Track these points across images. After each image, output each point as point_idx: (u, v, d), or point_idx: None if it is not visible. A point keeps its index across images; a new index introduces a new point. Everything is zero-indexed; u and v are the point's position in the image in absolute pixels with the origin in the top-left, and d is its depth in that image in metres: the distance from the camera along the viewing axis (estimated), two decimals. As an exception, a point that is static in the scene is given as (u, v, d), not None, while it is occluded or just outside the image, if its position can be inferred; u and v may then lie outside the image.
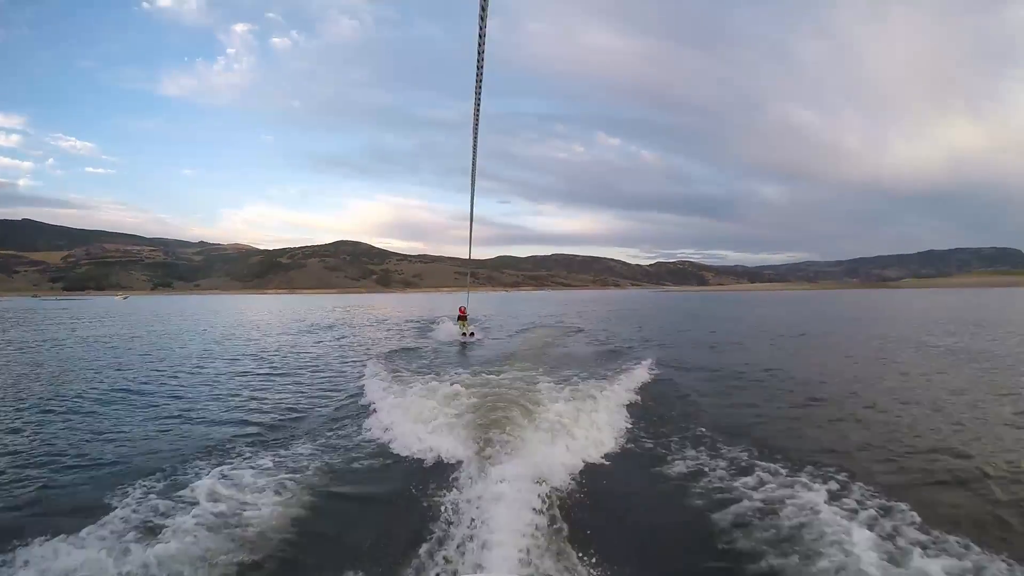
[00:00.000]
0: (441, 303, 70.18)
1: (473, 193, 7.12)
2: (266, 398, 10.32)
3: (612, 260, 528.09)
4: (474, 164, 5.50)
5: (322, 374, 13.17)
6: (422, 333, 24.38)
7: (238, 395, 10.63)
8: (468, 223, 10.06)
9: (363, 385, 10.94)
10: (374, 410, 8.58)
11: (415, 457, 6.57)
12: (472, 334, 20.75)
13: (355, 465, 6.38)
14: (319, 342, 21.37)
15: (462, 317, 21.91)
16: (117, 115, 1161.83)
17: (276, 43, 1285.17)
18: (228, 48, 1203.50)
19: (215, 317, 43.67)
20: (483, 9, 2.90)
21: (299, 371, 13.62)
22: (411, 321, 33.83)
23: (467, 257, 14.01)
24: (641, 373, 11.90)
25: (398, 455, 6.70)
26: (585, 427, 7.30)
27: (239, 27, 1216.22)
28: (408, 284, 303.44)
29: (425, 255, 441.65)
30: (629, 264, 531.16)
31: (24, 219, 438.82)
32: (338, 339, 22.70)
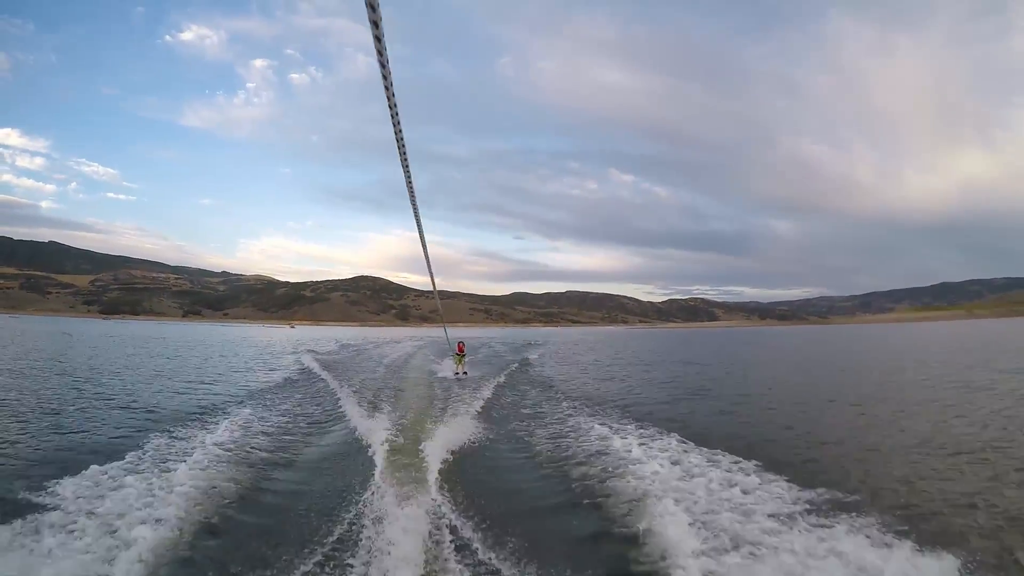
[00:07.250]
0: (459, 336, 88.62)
1: (422, 231, 6.53)
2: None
3: (625, 297, 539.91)
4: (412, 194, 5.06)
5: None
6: (426, 366, 26.78)
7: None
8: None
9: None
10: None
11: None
12: (465, 372, 21.87)
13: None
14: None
15: (460, 353, 22.45)
16: (139, 143, 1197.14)
17: (294, 78, 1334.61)
18: (248, 82, 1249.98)
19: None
20: (378, 40, 2.84)
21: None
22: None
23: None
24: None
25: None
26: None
27: (258, 62, 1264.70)
28: (425, 319, 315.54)
29: (442, 290, 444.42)
30: (641, 301, 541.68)
31: (51, 241, 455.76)
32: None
